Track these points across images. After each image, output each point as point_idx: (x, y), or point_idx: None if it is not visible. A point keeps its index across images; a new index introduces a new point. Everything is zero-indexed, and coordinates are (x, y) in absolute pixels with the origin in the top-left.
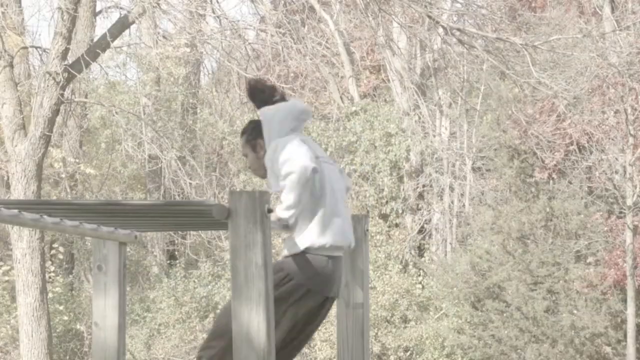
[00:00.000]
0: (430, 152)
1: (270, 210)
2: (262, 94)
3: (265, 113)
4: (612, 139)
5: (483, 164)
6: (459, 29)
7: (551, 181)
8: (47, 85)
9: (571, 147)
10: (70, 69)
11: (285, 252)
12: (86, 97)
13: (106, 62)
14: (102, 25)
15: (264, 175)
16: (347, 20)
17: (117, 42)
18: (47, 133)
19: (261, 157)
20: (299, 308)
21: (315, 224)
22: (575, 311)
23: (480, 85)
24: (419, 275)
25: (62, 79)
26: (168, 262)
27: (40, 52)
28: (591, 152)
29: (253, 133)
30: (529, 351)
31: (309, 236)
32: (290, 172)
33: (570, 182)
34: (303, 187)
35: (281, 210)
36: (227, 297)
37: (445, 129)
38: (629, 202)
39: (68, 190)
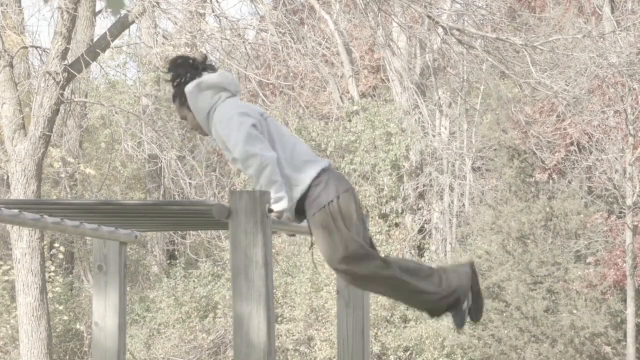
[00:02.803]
0: (430, 151)
1: (270, 210)
2: (186, 67)
3: (191, 90)
4: (612, 139)
5: (483, 164)
6: (458, 29)
7: (551, 181)
8: (47, 85)
9: (571, 148)
10: (70, 69)
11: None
12: (86, 97)
13: (106, 62)
14: (102, 25)
15: (207, 132)
16: (347, 20)
17: (117, 42)
18: (47, 133)
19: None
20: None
21: (292, 173)
22: (575, 311)
23: (480, 85)
24: None
25: (62, 79)
26: (168, 262)
27: (40, 52)
28: (591, 152)
29: (183, 94)
30: (529, 351)
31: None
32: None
33: (570, 182)
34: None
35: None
36: (228, 297)
37: (445, 129)
38: (629, 202)
39: (68, 190)
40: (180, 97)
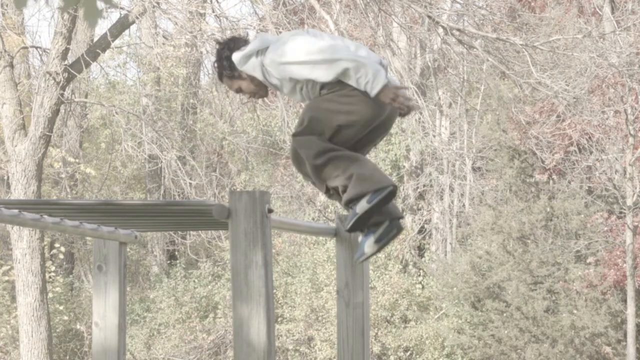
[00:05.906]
0: (430, 151)
1: (270, 210)
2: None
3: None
4: (612, 139)
5: (483, 164)
6: (459, 29)
7: (551, 181)
8: (47, 85)
9: (571, 148)
10: (70, 69)
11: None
12: (86, 97)
13: (106, 62)
14: (102, 25)
15: (266, 93)
16: (347, 20)
17: (117, 42)
18: (47, 133)
19: (252, 78)
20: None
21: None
22: (575, 311)
23: (480, 85)
24: (419, 275)
25: (62, 79)
26: (168, 262)
27: (40, 52)
28: (591, 152)
29: (228, 68)
30: (529, 351)
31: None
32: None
33: (570, 182)
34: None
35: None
36: (228, 297)
37: (445, 129)
38: (629, 202)
39: (68, 190)
40: (227, 72)
